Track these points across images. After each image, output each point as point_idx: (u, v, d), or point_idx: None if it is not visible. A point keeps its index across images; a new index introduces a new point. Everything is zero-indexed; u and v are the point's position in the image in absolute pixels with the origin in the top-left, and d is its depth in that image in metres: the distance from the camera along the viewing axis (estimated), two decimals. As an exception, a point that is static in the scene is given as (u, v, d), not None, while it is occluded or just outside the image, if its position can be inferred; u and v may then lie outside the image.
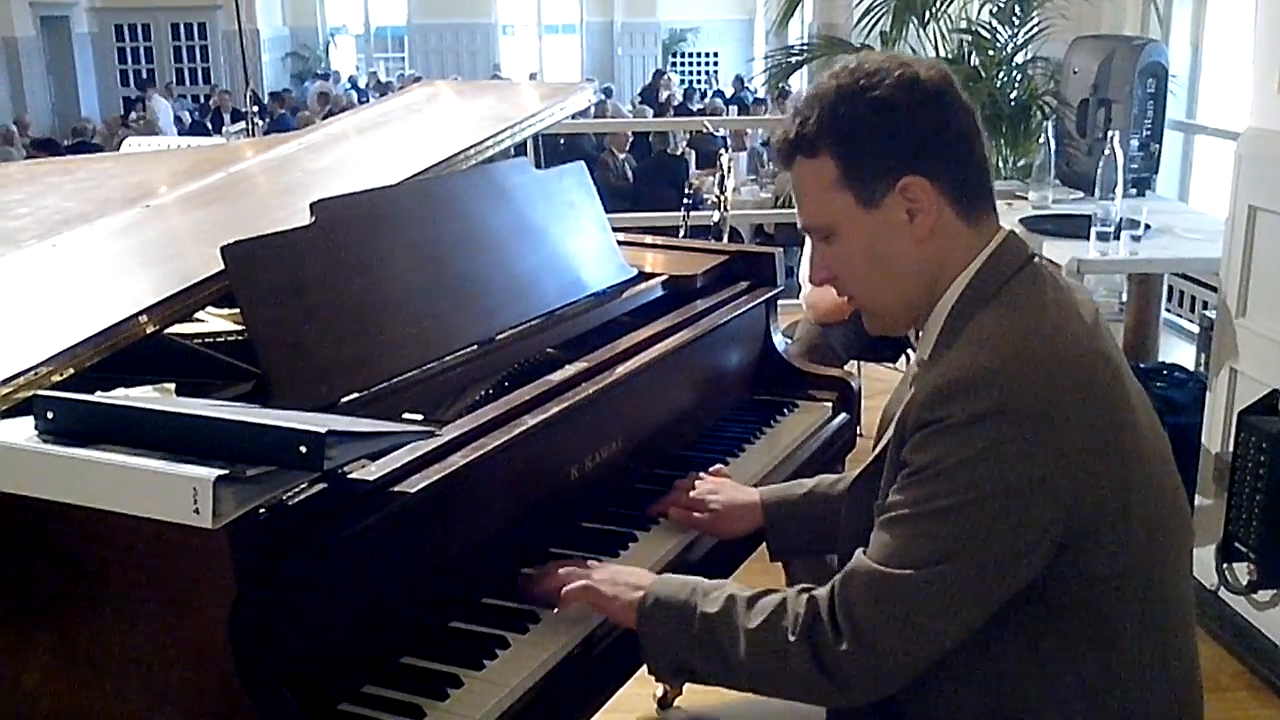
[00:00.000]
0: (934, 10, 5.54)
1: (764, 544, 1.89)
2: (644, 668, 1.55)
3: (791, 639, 1.37)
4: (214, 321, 2.08)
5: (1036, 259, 1.47)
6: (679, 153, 9.34)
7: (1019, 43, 5.52)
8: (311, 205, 1.78)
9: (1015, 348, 1.35)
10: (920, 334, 1.50)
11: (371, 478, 1.45)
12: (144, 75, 19.77)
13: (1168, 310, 5.07)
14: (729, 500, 1.86)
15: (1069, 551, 1.34)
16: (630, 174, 10.11)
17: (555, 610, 1.56)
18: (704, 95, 16.77)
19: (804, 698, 1.44)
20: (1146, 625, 1.40)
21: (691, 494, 1.87)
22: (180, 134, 13.17)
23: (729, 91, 17.28)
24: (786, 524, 1.83)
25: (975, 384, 1.32)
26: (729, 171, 4.72)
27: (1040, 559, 1.33)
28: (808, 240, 3.78)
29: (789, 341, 2.79)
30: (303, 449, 1.24)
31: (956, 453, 1.31)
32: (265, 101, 14.80)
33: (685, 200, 4.83)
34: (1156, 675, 1.42)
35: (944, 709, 1.44)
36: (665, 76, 18.23)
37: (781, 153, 1.49)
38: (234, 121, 13.26)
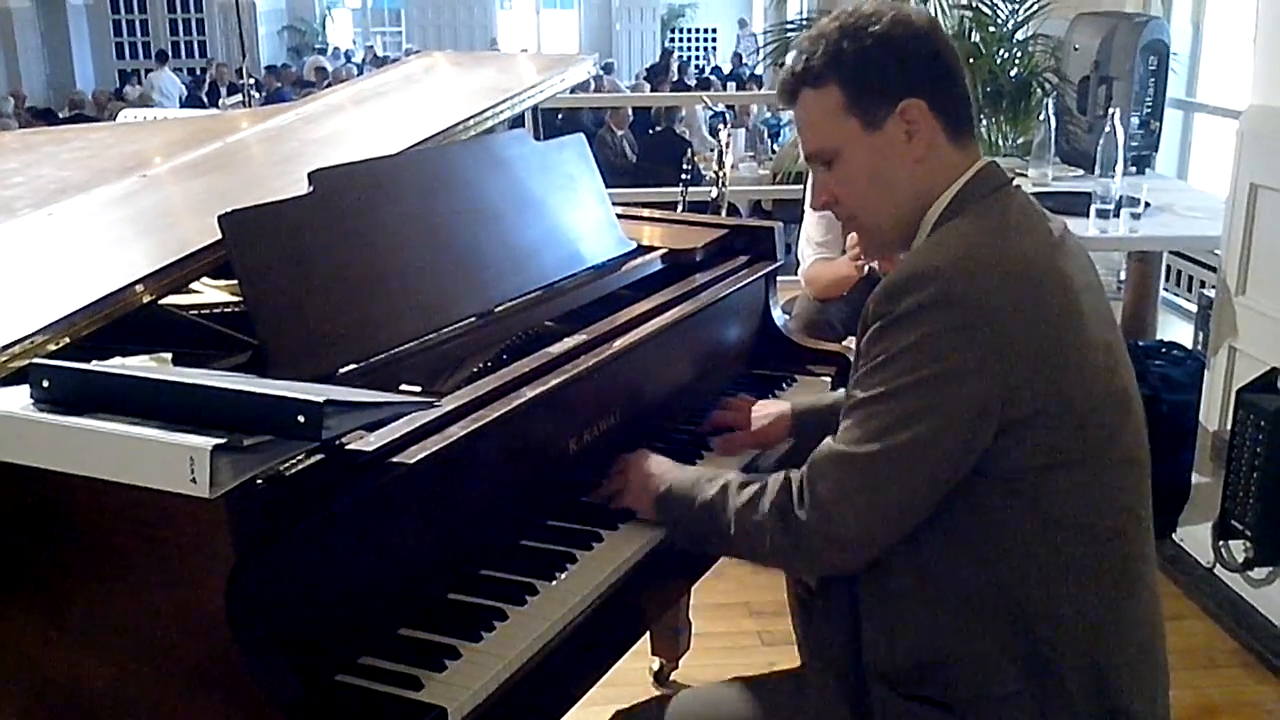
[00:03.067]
0: (935, -15, 5.53)
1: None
2: (640, 641, 1.58)
3: (765, 509, 1.54)
4: (211, 293, 2.06)
5: (1015, 185, 1.59)
6: (683, 133, 9.30)
7: (1020, 19, 5.50)
8: (310, 175, 1.76)
9: (964, 249, 1.48)
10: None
11: (369, 448, 1.44)
12: (140, 48, 19.66)
13: (1166, 289, 5.06)
14: (767, 412, 2.09)
15: (1009, 434, 1.43)
16: (629, 151, 10.07)
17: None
18: (702, 71, 16.69)
19: (779, 564, 1.66)
20: (1072, 525, 1.48)
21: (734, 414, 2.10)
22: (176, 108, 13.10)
23: (726, 68, 17.21)
24: (813, 425, 2.01)
25: (920, 278, 1.44)
26: (727, 148, 4.70)
27: (982, 436, 1.43)
28: (806, 220, 3.75)
29: (788, 317, 2.78)
30: (301, 418, 1.23)
31: (901, 340, 1.44)
32: (261, 76, 14.70)
33: (684, 176, 4.81)
34: (1073, 577, 1.49)
35: (897, 598, 1.54)
36: (672, 54, 18.07)
37: (787, 87, 1.62)
38: (230, 95, 13.19)
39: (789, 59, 1.63)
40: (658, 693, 2.68)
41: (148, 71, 17.03)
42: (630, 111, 10.52)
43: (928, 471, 1.44)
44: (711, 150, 4.74)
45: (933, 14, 5.44)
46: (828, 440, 1.51)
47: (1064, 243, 1.56)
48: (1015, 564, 1.48)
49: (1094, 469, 1.48)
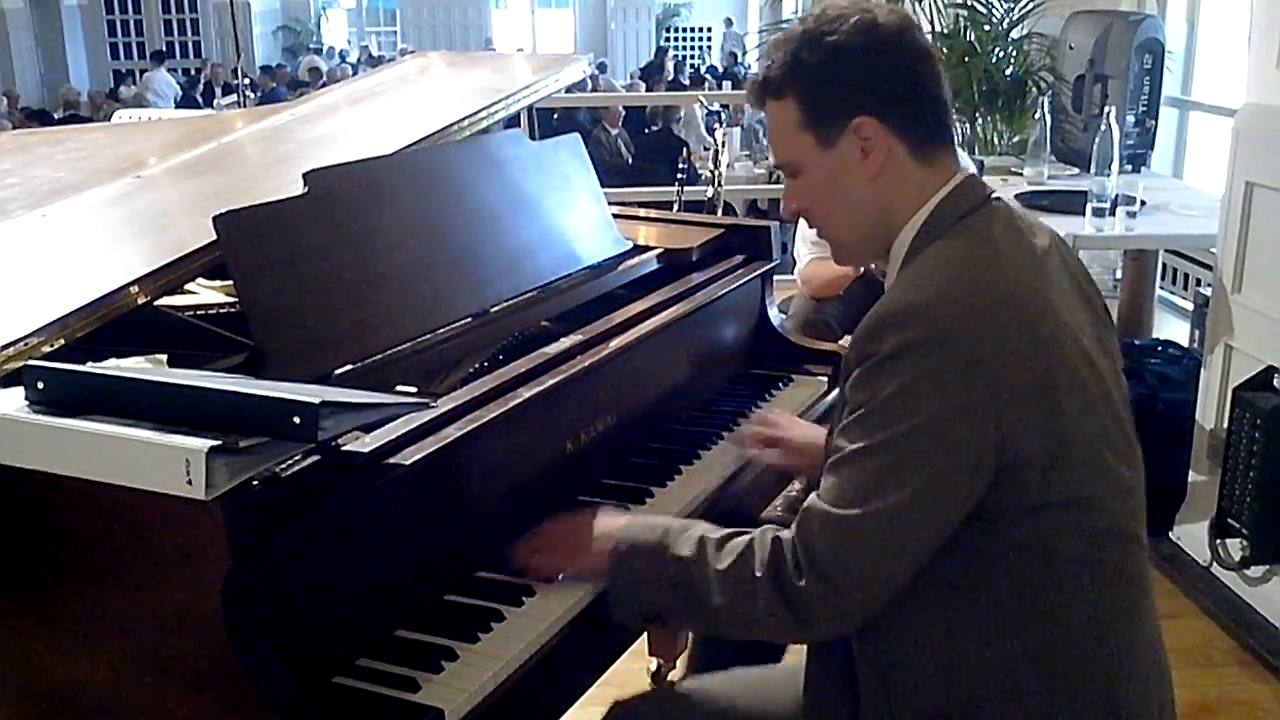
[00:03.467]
0: (931, -16, 5.53)
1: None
2: (637, 642, 1.56)
3: (759, 576, 1.42)
4: (206, 294, 2.06)
5: (995, 199, 1.52)
6: (680, 133, 9.30)
7: (1015, 18, 5.50)
8: (305, 175, 1.76)
9: (947, 281, 1.40)
10: (887, 270, 1.57)
11: (365, 450, 1.44)
12: (134, 48, 19.63)
13: (1162, 287, 5.06)
14: (804, 436, 1.95)
15: (1005, 479, 1.37)
16: (624, 150, 10.06)
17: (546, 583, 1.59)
18: (697, 70, 16.67)
19: (773, 635, 1.50)
20: (1090, 562, 1.43)
21: (769, 431, 1.96)
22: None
23: (721, 67, 17.20)
24: None
25: (903, 317, 1.38)
26: (723, 147, 4.70)
27: (978, 485, 1.37)
28: (802, 219, 3.74)
29: (784, 316, 2.78)
30: (296, 420, 1.23)
31: (886, 386, 1.36)
32: (256, 76, 14.68)
33: (679, 175, 4.81)
34: (1084, 610, 1.44)
35: (897, 648, 1.46)
36: (667, 53, 18.08)
37: (753, 93, 1.57)
38: (225, 95, 13.17)
39: (759, 63, 1.61)
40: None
41: (142, 72, 17.01)
42: (622, 110, 10.50)
43: (929, 525, 1.37)
44: (708, 149, 4.74)
45: (926, 13, 5.48)
46: (815, 501, 1.41)
47: (1050, 259, 1.49)
48: (1020, 605, 1.42)
49: (1094, 501, 1.43)
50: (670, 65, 16.28)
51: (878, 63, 1.47)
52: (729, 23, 21.04)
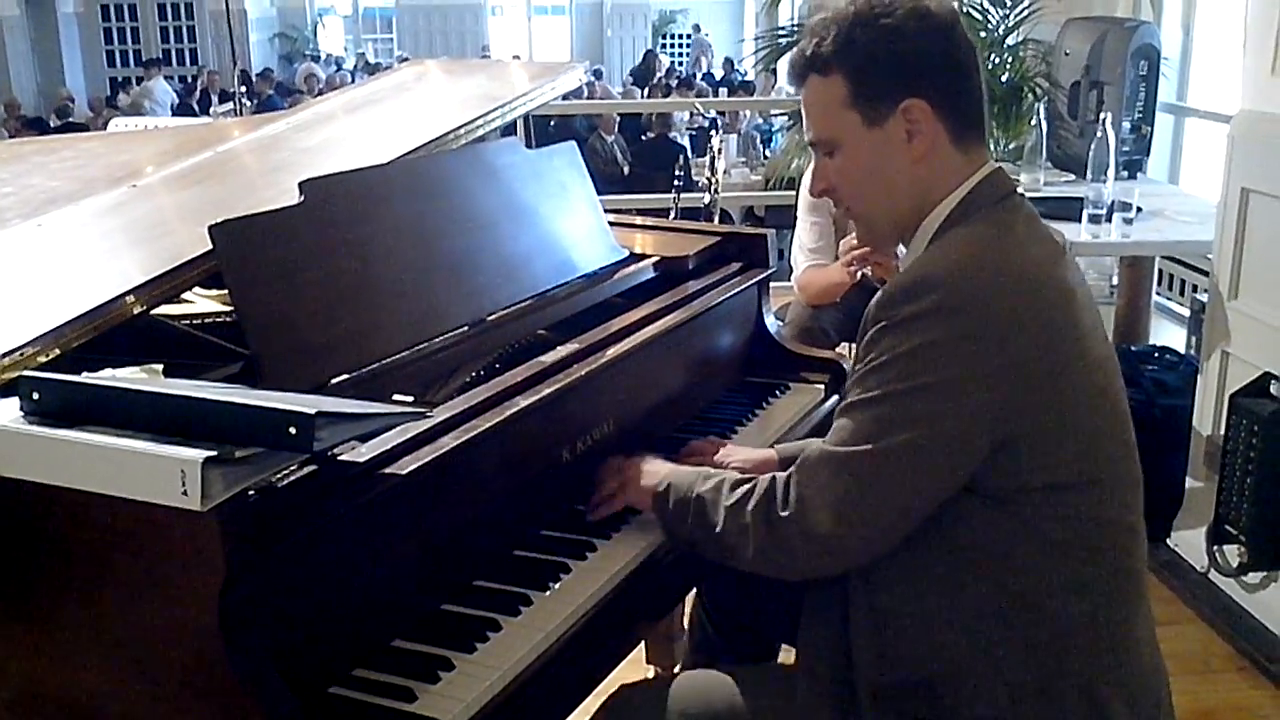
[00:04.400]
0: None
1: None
2: (635, 650, 1.57)
3: (750, 507, 1.52)
4: (202, 303, 2.06)
5: (1020, 194, 1.57)
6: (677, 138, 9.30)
7: (1011, 24, 5.49)
8: (301, 184, 1.76)
9: (968, 258, 1.45)
10: (907, 253, 1.60)
11: (362, 459, 1.43)
12: (130, 56, 19.61)
13: (1158, 293, 5.06)
14: (747, 457, 1.98)
15: (1003, 455, 1.41)
16: (620, 157, 10.05)
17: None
18: (693, 77, 16.69)
19: (760, 565, 1.56)
20: (1087, 549, 1.46)
21: (715, 457, 1.98)
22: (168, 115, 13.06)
23: (719, 73, 17.21)
24: None
25: (922, 286, 1.42)
26: (719, 154, 4.70)
27: (974, 454, 1.40)
28: (799, 226, 3.75)
29: (781, 323, 2.78)
30: (292, 430, 1.23)
31: (901, 345, 1.41)
32: (253, 82, 14.68)
33: (676, 182, 4.81)
34: (1078, 598, 1.46)
35: (891, 613, 1.50)
36: (657, 58, 18.12)
37: (796, 68, 1.59)
38: (222, 102, 13.17)
39: (802, 41, 1.59)
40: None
41: (139, 79, 16.98)
42: (616, 117, 10.49)
43: (913, 479, 1.42)
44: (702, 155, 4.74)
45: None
46: (817, 442, 1.50)
47: (1065, 254, 1.54)
48: (1014, 587, 1.45)
49: (1093, 489, 1.46)
50: (661, 67, 16.29)
51: (931, 48, 1.51)
52: (696, 29, 21.14)
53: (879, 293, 1.48)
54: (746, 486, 1.56)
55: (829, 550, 1.47)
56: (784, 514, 1.47)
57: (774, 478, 1.53)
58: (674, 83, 14.47)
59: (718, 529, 1.56)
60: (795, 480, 1.49)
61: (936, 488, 1.43)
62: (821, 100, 1.56)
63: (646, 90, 14.14)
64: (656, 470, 1.75)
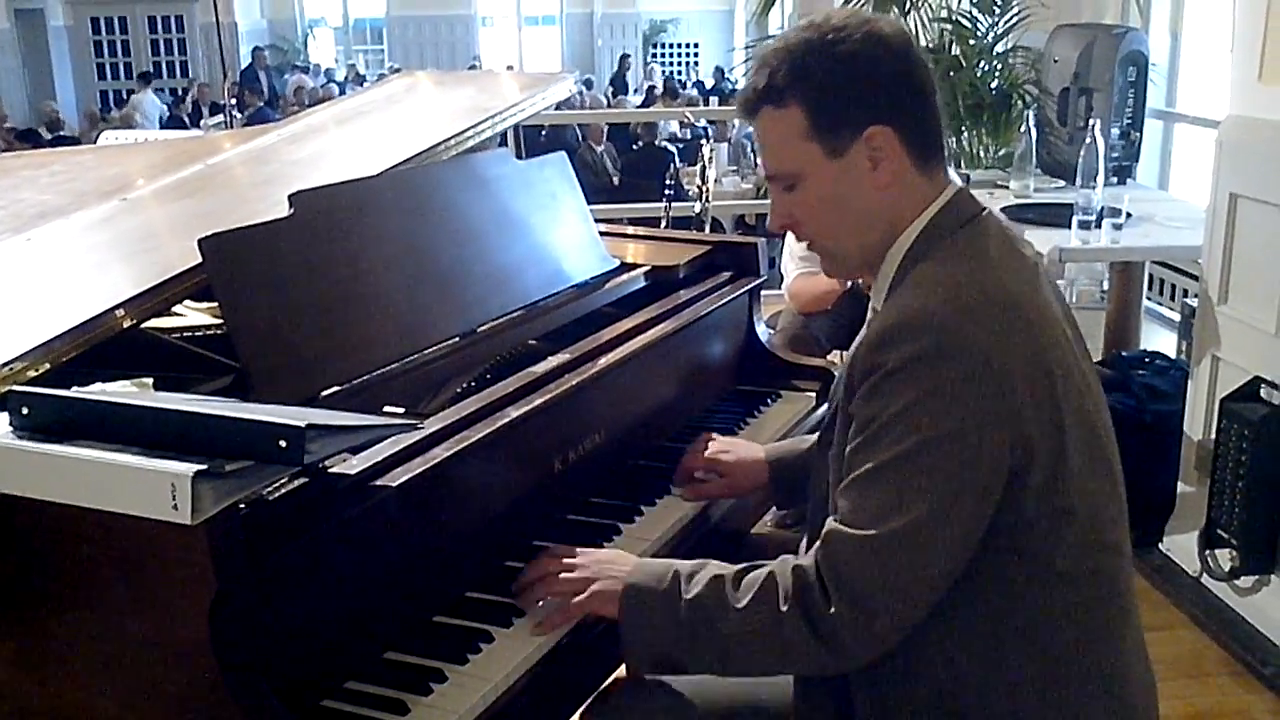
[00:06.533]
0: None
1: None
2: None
3: (784, 609, 1.39)
4: (193, 315, 2.06)
5: (986, 212, 1.52)
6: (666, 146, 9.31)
7: (1000, 32, 5.52)
8: (290, 197, 1.76)
9: (952, 291, 1.39)
10: (874, 282, 1.55)
11: (352, 471, 1.43)
12: (121, 69, 19.59)
13: (1149, 298, 5.08)
14: (739, 457, 1.96)
15: (1010, 488, 1.36)
16: (610, 167, 10.06)
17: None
18: (683, 86, 16.71)
19: (802, 668, 1.47)
20: (1082, 575, 1.43)
21: (706, 453, 1.96)
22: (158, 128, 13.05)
23: (709, 83, 17.24)
24: (789, 475, 1.91)
25: (911, 327, 1.37)
26: (710, 162, 4.71)
27: (997, 491, 1.36)
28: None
29: (772, 332, 2.78)
30: (282, 443, 1.23)
31: (899, 399, 1.35)
32: (243, 94, 14.66)
33: (667, 191, 4.81)
34: (1073, 627, 1.44)
35: (896, 667, 1.45)
36: (630, 62, 18.20)
37: (748, 103, 1.52)
38: (212, 115, 13.14)
39: (752, 73, 1.53)
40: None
41: (130, 92, 16.97)
42: (605, 126, 10.50)
43: (954, 537, 1.35)
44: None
45: (911, 27, 5.50)
46: (836, 526, 1.39)
47: (1039, 270, 1.50)
48: (1015, 621, 1.42)
49: (1089, 513, 1.43)
50: (658, 79, 16.31)
51: (890, 72, 1.46)
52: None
53: (866, 333, 1.43)
54: (758, 581, 1.42)
55: (887, 638, 1.38)
56: (831, 611, 1.36)
57: (799, 568, 1.41)
58: (651, 84, 14.50)
59: (734, 636, 1.42)
60: (830, 571, 1.37)
61: (973, 536, 1.37)
62: (778, 133, 1.49)
63: (617, 99, 14.14)
64: (612, 569, 1.54)
